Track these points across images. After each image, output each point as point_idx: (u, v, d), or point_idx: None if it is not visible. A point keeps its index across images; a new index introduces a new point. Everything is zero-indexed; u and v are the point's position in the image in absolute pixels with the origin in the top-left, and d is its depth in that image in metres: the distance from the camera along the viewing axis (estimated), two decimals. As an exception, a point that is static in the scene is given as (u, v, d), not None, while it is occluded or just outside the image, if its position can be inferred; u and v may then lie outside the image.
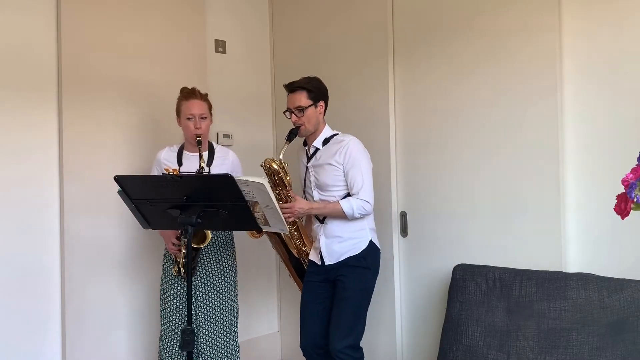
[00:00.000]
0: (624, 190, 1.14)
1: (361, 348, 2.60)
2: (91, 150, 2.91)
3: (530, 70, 2.45)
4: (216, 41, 3.54)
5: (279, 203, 2.55)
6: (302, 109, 2.55)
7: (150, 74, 3.13)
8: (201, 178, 2.38)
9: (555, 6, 2.38)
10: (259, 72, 3.77)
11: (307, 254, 2.70)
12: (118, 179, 2.08)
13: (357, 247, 2.57)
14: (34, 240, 2.76)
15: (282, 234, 2.64)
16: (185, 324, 2.57)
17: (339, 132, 2.66)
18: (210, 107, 2.74)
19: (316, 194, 2.61)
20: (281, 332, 3.80)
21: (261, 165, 2.61)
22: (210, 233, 2.57)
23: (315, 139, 2.63)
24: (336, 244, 2.57)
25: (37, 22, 2.78)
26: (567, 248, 2.39)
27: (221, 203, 2.05)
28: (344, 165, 2.52)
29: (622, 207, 1.14)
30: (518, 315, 2.31)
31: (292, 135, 2.56)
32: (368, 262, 2.58)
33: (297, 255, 2.73)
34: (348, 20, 3.22)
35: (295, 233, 2.68)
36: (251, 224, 2.16)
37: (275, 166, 2.54)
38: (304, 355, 2.71)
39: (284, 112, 2.66)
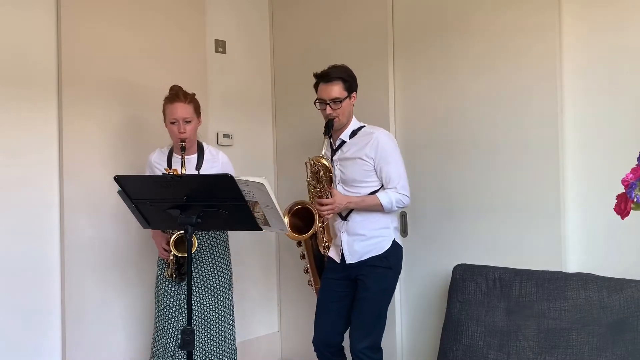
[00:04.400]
0: (624, 190, 1.14)
1: (381, 349, 2.54)
2: (91, 150, 2.91)
3: (530, 70, 2.45)
4: (216, 41, 3.54)
5: (317, 198, 2.44)
6: (339, 101, 2.40)
7: (150, 74, 3.13)
8: (201, 178, 2.38)
9: (555, 6, 2.39)
10: (259, 72, 3.77)
11: (328, 248, 2.59)
12: (118, 179, 2.08)
13: (379, 246, 2.46)
14: (34, 240, 2.76)
15: (317, 230, 2.54)
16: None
17: (366, 124, 2.54)
18: (196, 108, 2.61)
19: (340, 189, 2.47)
20: (281, 332, 3.80)
21: (305, 163, 2.48)
22: (197, 242, 2.52)
23: (343, 131, 2.49)
24: (358, 243, 2.46)
25: (37, 21, 2.78)
26: (567, 248, 2.39)
27: (221, 203, 2.05)
28: (375, 160, 2.41)
29: (622, 207, 1.14)
30: (518, 315, 2.31)
31: (328, 129, 2.40)
32: (390, 262, 2.48)
33: (322, 252, 2.63)
34: (348, 21, 3.22)
35: (321, 229, 2.56)
36: (251, 224, 2.16)
37: (325, 163, 2.41)
38: (315, 351, 2.66)
39: (314, 103, 2.47)
